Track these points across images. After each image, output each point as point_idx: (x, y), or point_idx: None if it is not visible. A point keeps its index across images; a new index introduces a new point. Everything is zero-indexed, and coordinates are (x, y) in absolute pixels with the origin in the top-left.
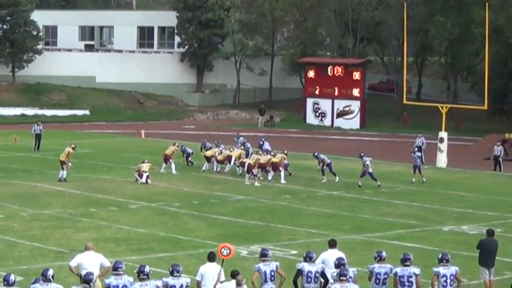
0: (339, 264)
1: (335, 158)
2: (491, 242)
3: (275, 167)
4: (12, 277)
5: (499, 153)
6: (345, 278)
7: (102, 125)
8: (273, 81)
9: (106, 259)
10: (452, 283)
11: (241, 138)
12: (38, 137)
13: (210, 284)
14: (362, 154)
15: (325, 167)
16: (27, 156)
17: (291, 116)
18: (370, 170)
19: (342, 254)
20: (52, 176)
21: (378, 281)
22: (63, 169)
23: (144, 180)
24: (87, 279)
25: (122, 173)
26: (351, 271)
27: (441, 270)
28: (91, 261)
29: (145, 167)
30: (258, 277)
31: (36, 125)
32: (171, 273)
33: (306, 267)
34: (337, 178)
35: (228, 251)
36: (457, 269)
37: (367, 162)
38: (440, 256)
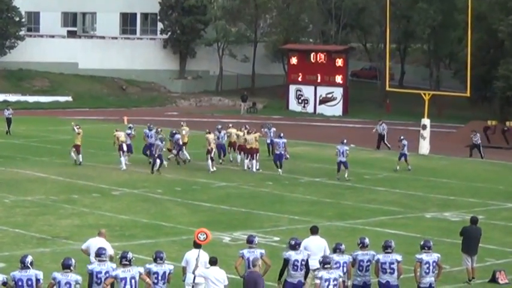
0: (336, 248)
1: (317, 144)
2: (474, 229)
3: (247, 151)
4: None
5: (477, 141)
6: (328, 266)
7: (85, 111)
8: (255, 67)
9: (111, 248)
10: (434, 270)
11: (272, 129)
12: (9, 121)
13: None
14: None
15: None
16: (9, 142)
17: (273, 103)
18: (344, 159)
19: (324, 241)
20: (35, 163)
21: (361, 268)
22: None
23: (123, 165)
24: (66, 264)
25: (104, 159)
26: (347, 257)
27: (424, 257)
28: (96, 246)
29: (122, 136)
30: (242, 263)
31: (6, 109)
32: (155, 260)
33: (293, 256)
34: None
35: (205, 236)
36: (439, 255)
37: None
38: (422, 243)
